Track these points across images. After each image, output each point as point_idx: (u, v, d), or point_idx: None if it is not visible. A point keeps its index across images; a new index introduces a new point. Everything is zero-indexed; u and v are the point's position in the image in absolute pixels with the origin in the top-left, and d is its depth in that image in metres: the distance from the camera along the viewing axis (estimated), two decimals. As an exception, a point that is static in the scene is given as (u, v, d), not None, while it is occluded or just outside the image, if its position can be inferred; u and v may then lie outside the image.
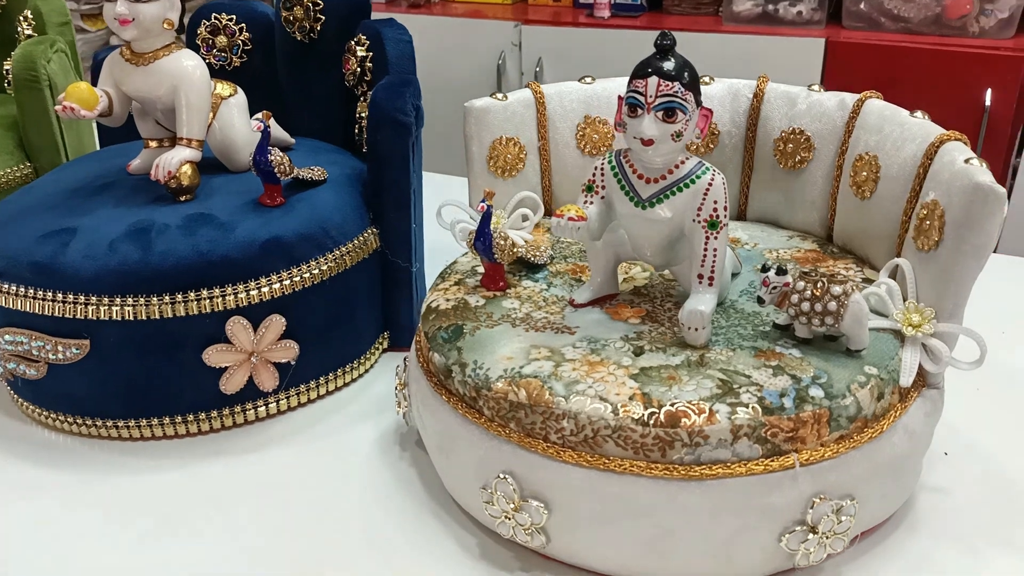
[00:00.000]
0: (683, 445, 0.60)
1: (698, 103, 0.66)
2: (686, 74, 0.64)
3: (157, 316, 0.79)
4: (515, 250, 0.78)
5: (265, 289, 0.82)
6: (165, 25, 0.86)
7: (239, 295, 0.81)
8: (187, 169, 0.86)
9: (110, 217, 0.84)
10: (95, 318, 0.79)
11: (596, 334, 0.71)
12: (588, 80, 0.91)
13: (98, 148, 1.23)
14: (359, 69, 1.00)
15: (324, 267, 0.86)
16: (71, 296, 0.79)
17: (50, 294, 0.79)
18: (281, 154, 0.86)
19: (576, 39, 2.27)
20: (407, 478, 0.79)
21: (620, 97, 0.69)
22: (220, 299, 0.80)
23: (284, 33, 1.07)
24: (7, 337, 0.82)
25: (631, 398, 0.62)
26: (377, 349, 0.96)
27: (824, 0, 2.14)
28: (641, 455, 0.61)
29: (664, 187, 0.68)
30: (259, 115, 0.85)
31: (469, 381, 0.67)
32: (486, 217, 0.76)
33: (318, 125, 1.08)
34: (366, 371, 0.95)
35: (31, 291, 0.80)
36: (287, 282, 0.83)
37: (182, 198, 0.87)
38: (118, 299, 0.79)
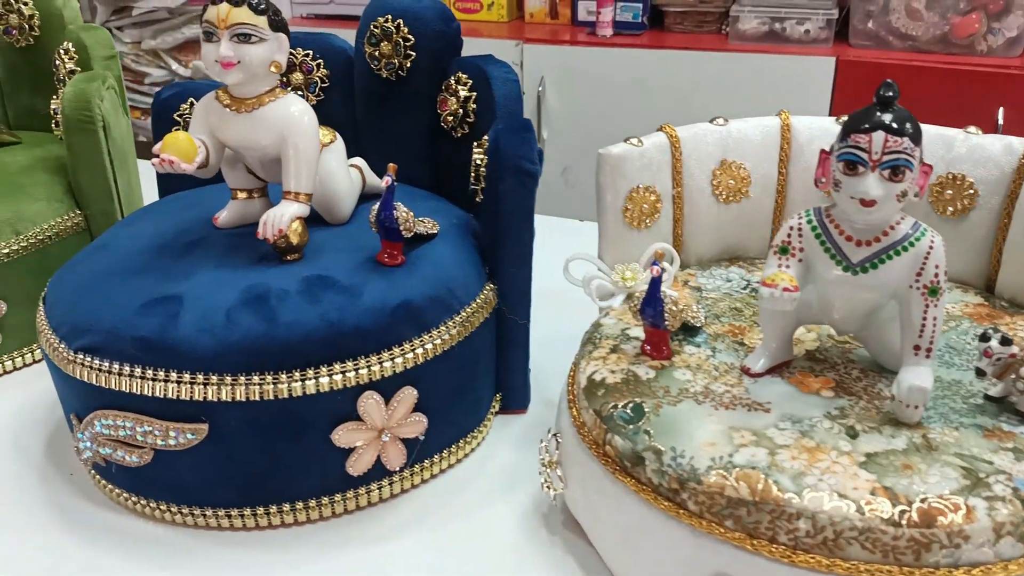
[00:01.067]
0: (941, 547, 0.54)
1: (920, 157, 0.60)
2: (912, 127, 0.59)
3: (285, 395, 0.71)
4: (682, 314, 0.71)
5: (399, 360, 0.74)
6: (272, 68, 0.78)
7: (372, 368, 0.73)
8: (297, 226, 0.78)
9: (215, 281, 0.76)
10: (215, 399, 0.70)
11: (794, 412, 0.64)
12: (721, 121, 0.85)
13: (150, 195, 1.14)
14: (460, 110, 0.92)
15: (453, 331, 0.78)
16: (187, 375, 0.70)
17: (161, 373, 0.70)
18: (406, 209, 0.78)
19: (578, 58, 2.23)
20: (565, 568, 0.71)
21: (824, 152, 0.63)
22: (353, 373, 0.72)
23: (367, 70, 0.99)
24: (105, 421, 0.73)
25: (872, 493, 0.56)
26: (491, 414, 0.89)
27: (831, 18, 2.12)
28: (891, 559, 0.55)
29: (879, 250, 0.62)
30: (388, 172, 0.77)
31: (669, 471, 0.60)
32: (656, 282, 0.69)
33: (401, 168, 1.00)
34: (483, 439, 0.87)
35: (137, 370, 0.71)
36: (419, 351, 0.75)
37: (288, 257, 0.79)
38: (242, 378, 0.70)
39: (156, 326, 0.71)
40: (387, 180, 0.76)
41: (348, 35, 1.02)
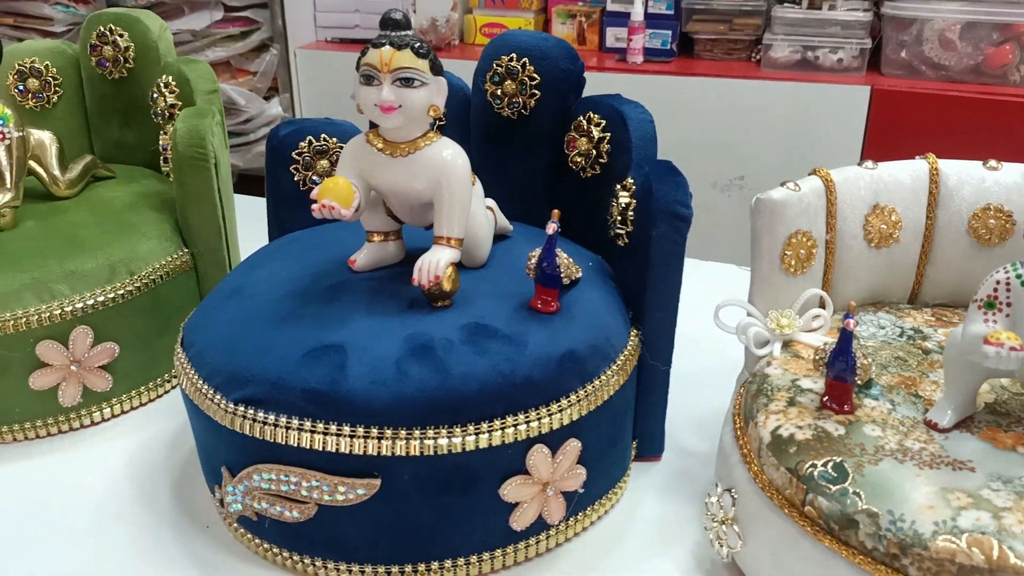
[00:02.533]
0: None
1: None
2: None
3: (459, 449, 0.68)
4: (870, 369, 0.70)
5: (566, 412, 0.72)
6: (431, 112, 0.76)
7: (542, 420, 0.71)
8: (451, 272, 0.76)
9: (373, 329, 0.74)
10: (388, 454, 0.68)
11: (1000, 470, 0.63)
12: (870, 164, 0.84)
13: (251, 233, 1.12)
14: (593, 150, 0.91)
15: (612, 380, 0.76)
16: (360, 429, 0.68)
17: (332, 427, 0.68)
18: (567, 256, 0.77)
19: (607, 85, 2.23)
20: (745, 628, 0.69)
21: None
22: (524, 426, 0.70)
23: (486, 108, 0.97)
24: (266, 475, 0.71)
25: (1117, 560, 0.54)
26: (630, 462, 0.87)
27: (865, 48, 2.14)
28: None
29: (1097, 308, 0.60)
30: (553, 219, 0.75)
31: (888, 536, 0.59)
32: (849, 335, 0.67)
33: (517, 208, 0.99)
34: (626, 488, 0.85)
35: (307, 423, 0.69)
36: (583, 401, 0.73)
37: (439, 303, 0.77)
38: (416, 431, 0.68)
39: (325, 377, 0.69)
40: (552, 227, 0.74)
41: (459, 72, 1.00)
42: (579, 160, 0.93)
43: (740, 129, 2.17)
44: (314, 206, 0.74)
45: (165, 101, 1.08)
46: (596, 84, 2.23)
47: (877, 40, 2.17)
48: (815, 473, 0.64)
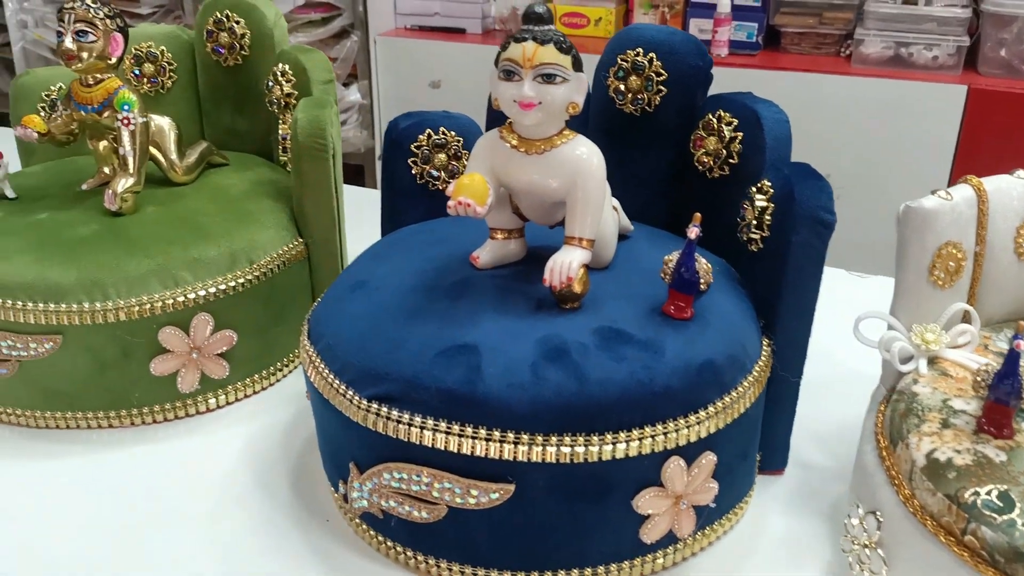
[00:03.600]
0: None
1: None
2: None
3: (595, 458, 0.67)
4: None
5: (704, 424, 0.70)
6: (569, 110, 0.74)
7: (680, 432, 0.69)
8: (582, 274, 0.75)
9: (505, 330, 0.72)
10: (524, 459, 0.66)
11: None
12: (1021, 175, 0.80)
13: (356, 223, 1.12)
14: (724, 151, 0.88)
15: (749, 392, 0.74)
16: (496, 433, 0.67)
17: (468, 429, 0.67)
18: (706, 262, 0.74)
19: None
20: (888, 656, 0.67)
21: None
22: (662, 437, 0.68)
23: (607, 104, 0.95)
24: (398, 475, 0.70)
25: None
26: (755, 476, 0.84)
27: (962, 45, 2.05)
28: None
29: None
30: (694, 223, 0.72)
31: (1064, 572, 0.55)
32: (1017, 356, 0.64)
33: (636, 207, 0.96)
34: (751, 502, 0.82)
35: (442, 424, 0.68)
36: (721, 414, 0.71)
37: (568, 305, 0.75)
38: (553, 437, 0.66)
39: (461, 378, 0.68)
40: (694, 231, 0.72)
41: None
42: (706, 160, 0.90)
43: (827, 126, 2.11)
44: (449, 203, 0.73)
45: (281, 90, 1.08)
46: None
47: (975, 38, 2.09)
48: (978, 501, 0.60)
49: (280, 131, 1.00)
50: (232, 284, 0.92)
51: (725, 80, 2.28)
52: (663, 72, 0.91)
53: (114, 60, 0.95)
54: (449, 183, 0.96)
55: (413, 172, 0.96)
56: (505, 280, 0.81)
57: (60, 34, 0.93)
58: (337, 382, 0.73)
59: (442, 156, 0.96)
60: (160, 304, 0.88)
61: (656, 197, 0.96)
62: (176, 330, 0.89)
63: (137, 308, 0.87)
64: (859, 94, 2.06)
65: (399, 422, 0.69)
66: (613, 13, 2.49)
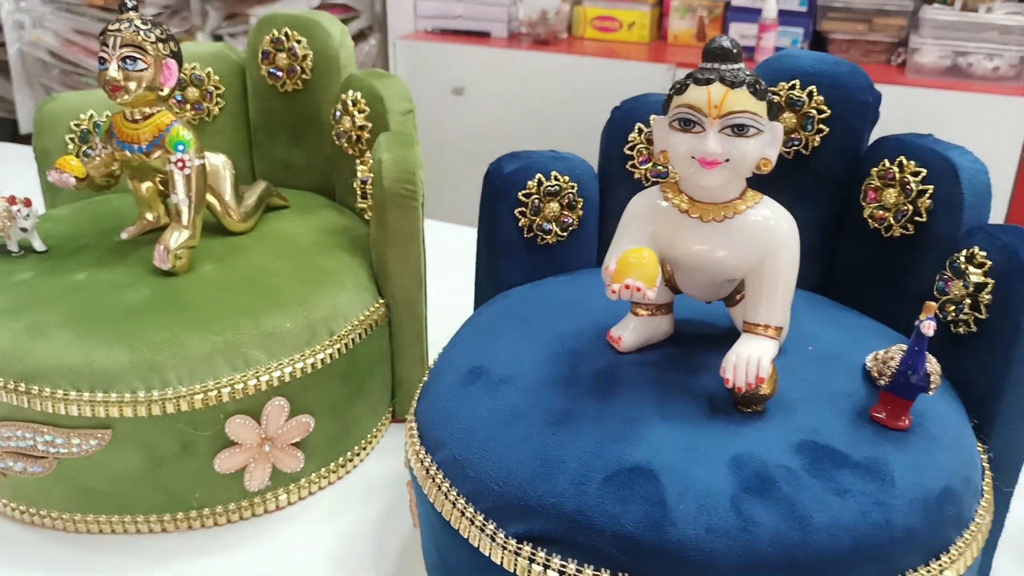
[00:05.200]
0: None
1: None
2: None
3: (827, 625, 0.52)
4: None
5: (947, 571, 0.55)
6: (761, 167, 0.59)
7: (922, 585, 0.54)
8: (773, 372, 0.60)
9: (680, 444, 0.57)
10: (735, 628, 0.52)
11: None
12: None
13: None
14: (909, 207, 0.73)
15: (985, 521, 0.59)
16: (695, 593, 0.52)
17: (659, 587, 0.52)
18: (936, 361, 0.59)
19: None
20: None
21: None
22: (903, 593, 0.53)
23: (752, 143, 0.80)
24: (557, 635, 0.55)
25: None
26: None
27: None
28: None
29: None
30: (928, 314, 0.58)
31: None
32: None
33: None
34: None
35: (621, 578, 0.53)
36: (966, 555, 0.56)
37: (749, 408, 0.61)
38: (772, 600, 0.52)
39: (642, 517, 0.53)
40: (930, 327, 0.57)
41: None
42: (882, 215, 0.75)
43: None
44: (612, 286, 0.58)
45: (352, 122, 0.93)
46: None
47: (1039, 48, 1.97)
48: None
49: (359, 173, 0.85)
50: (311, 362, 0.77)
51: None
52: (825, 109, 0.77)
53: (166, 91, 0.80)
54: (561, 237, 0.83)
55: (520, 224, 0.81)
56: (659, 369, 0.66)
57: (103, 60, 0.78)
58: (471, 510, 0.58)
59: (554, 206, 0.81)
60: (228, 390, 0.73)
61: (807, 255, 0.81)
62: (246, 419, 0.74)
63: (201, 396, 0.72)
64: (913, 105, 1.94)
65: (563, 572, 0.54)
66: (647, 17, 2.35)
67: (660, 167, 0.82)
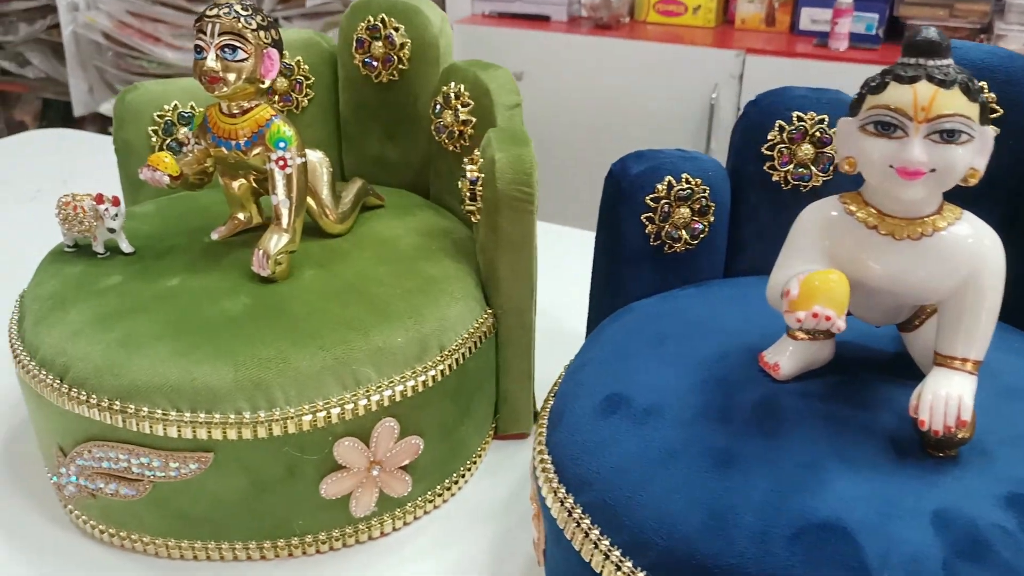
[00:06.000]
0: None
1: None
2: None
3: None
4: None
5: None
6: (968, 177, 0.52)
7: None
8: (972, 413, 0.52)
9: (871, 495, 0.50)
10: None
11: None
12: None
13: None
14: (1100, 220, 0.65)
15: None
16: None
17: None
18: None
19: (805, 73, 1.98)
20: None
21: None
22: None
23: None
24: None
25: None
26: None
27: None
28: None
29: None
30: None
31: None
32: None
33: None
34: None
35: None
36: None
37: (942, 453, 0.53)
38: None
39: (844, 589, 0.46)
40: None
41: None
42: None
43: None
44: (798, 315, 0.51)
45: (454, 116, 0.86)
46: (790, 73, 1.99)
47: None
48: None
49: (468, 173, 0.79)
50: (422, 379, 0.71)
51: (842, 77, 2.06)
52: (998, 108, 0.69)
53: (266, 83, 0.74)
54: (690, 245, 0.75)
55: (647, 231, 0.74)
56: (826, 402, 0.59)
57: (199, 48, 0.72)
58: (629, 564, 0.52)
59: (684, 211, 0.74)
60: (338, 410, 0.67)
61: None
62: (355, 442, 0.68)
63: (310, 417, 0.66)
64: (998, 96, 1.84)
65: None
66: (714, 0, 2.26)
67: (803, 170, 0.74)
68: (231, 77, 0.72)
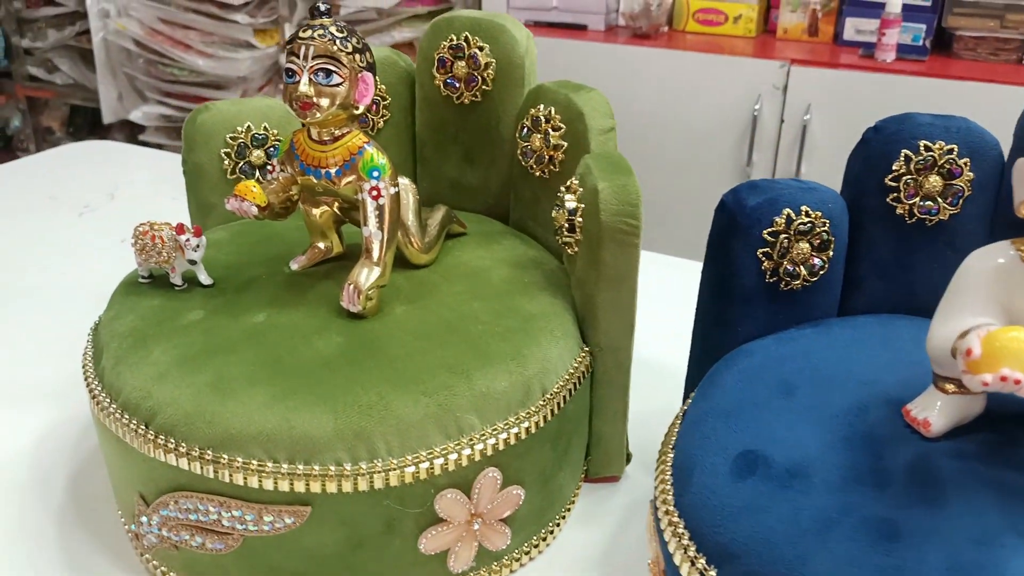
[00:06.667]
0: None
1: None
2: None
3: None
4: None
5: None
6: None
7: None
8: None
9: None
10: None
11: None
12: None
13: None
14: None
15: None
16: None
17: None
18: None
19: (851, 85, 1.95)
20: None
21: None
22: None
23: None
24: None
25: None
26: None
27: None
28: None
29: None
30: None
31: None
32: None
33: None
34: None
35: None
36: None
37: None
38: None
39: None
40: None
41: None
42: None
43: (1006, 145, 1.82)
44: (984, 378, 0.46)
45: (544, 140, 0.82)
46: (836, 84, 1.94)
47: None
48: None
49: (567, 202, 0.74)
50: (525, 426, 0.66)
51: (890, 90, 2.01)
52: None
53: (360, 109, 0.70)
54: (808, 282, 0.71)
55: (763, 267, 0.69)
56: (986, 464, 0.54)
57: (291, 72, 0.68)
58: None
59: (804, 246, 0.69)
60: (441, 461, 0.63)
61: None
62: (458, 494, 0.64)
63: (412, 468, 0.62)
64: (1045, 108, 1.80)
65: None
66: (755, 10, 2.23)
67: (929, 203, 0.70)
68: (324, 103, 0.68)
